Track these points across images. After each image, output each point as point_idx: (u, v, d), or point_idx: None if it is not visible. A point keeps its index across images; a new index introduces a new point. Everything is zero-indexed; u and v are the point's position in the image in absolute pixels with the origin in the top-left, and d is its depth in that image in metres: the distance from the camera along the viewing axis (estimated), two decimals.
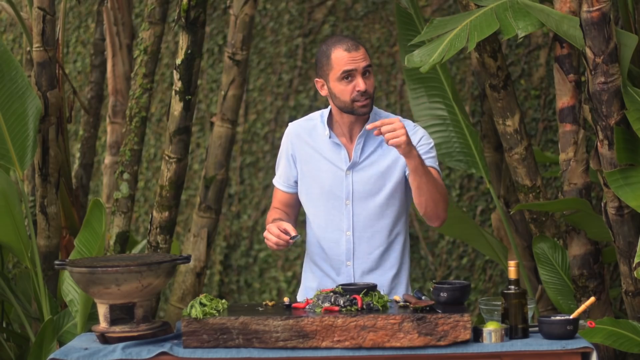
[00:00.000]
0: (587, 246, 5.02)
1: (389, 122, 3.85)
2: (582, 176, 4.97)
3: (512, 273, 3.75)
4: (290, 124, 4.25)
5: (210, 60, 7.42)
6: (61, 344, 5.10)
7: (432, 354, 3.65)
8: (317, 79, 4.10)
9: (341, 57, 3.99)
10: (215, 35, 7.40)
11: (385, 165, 4.09)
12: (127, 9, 6.71)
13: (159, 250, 5.52)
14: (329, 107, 4.16)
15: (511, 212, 5.52)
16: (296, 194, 4.21)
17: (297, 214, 4.27)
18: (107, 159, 6.68)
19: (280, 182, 4.23)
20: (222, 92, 5.85)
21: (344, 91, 4.01)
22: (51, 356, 3.72)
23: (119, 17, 6.65)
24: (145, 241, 5.83)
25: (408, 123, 4.11)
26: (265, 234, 4.01)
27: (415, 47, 5.03)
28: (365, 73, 4.00)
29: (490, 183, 5.51)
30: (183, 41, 5.39)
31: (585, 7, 4.43)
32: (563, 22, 4.71)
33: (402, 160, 4.04)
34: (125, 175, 5.65)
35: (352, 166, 4.09)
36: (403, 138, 3.82)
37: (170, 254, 4.42)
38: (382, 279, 4.11)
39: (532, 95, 7.02)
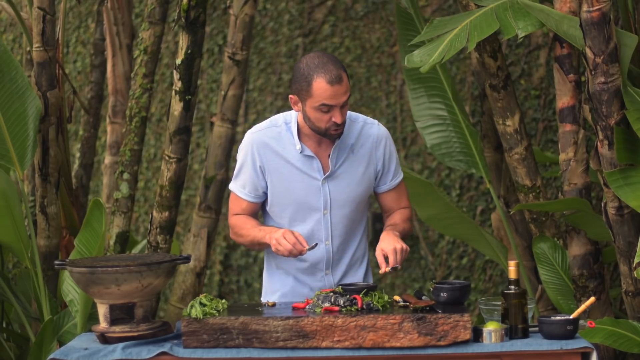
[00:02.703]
0: (587, 246, 5.02)
1: (392, 254, 3.91)
2: (582, 176, 4.97)
3: (512, 273, 3.75)
4: (250, 132, 4.12)
5: (210, 60, 7.41)
6: (61, 344, 5.09)
7: (432, 354, 3.65)
8: (291, 96, 4.00)
9: (323, 89, 3.90)
10: (215, 35, 7.40)
11: (359, 172, 4.10)
12: (127, 9, 6.71)
13: (159, 250, 5.52)
14: (294, 114, 4.08)
15: (511, 212, 5.52)
16: (261, 203, 4.14)
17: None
18: (107, 159, 6.68)
19: (245, 192, 4.11)
20: (222, 92, 5.85)
21: (320, 119, 3.96)
22: (51, 356, 3.72)
23: (119, 17, 6.65)
24: (145, 241, 5.83)
25: (370, 126, 4.12)
26: (278, 239, 3.95)
27: (415, 47, 5.03)
28: (344, 105, 3.94)
29: (490, 183, 5.50)
30: (183, 41, 5.39)
31: (585, 7, 4.43)
32: (563, 22, 4.71)
33: (372, 167, 4.10)
34: (125, 175, 5.64)
35: (328, 176, 4.07)
36: (406, 253, 3.96)
37: (170, 254, 4.42)
38: (354, 279, 4.15)
39: (532, 95, 7.02)
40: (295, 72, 3.97)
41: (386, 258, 3.94)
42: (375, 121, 4.16)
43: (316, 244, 4.00)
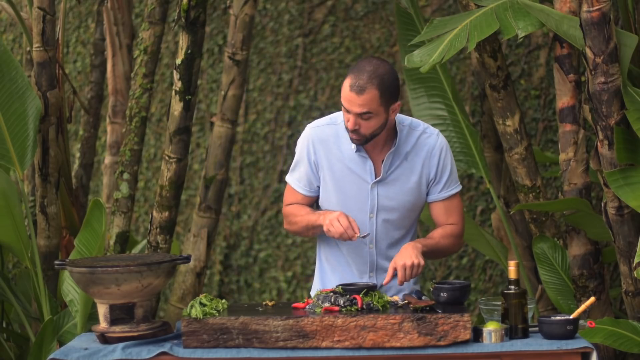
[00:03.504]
0: (587, 246, 5.02)
1: (402, 270, 3.90)
2: (582, 176, 4.97)
3: (512, 273, 3.75)
4: (310, 126, 4.13)
5: (210, 60, 7.41)
6: (61, 344, 5.09)
7: (432, 354, 3.65)
8: None
9: (345, 90, 3.91)
10: (215, 35, 7.40)
11: (411, 181, 4.06)
12: (127, 9, 6.70)
13: (159, 250, 5.52)
14: None
15: (511, 212, 5.52)
16: (316, 197, 4.15)
17: None
18: (107, 159, 6.68)
19: (300, 185, 4.13)
20: (222, 92, 5.85)
21: (344, 117, 3.98)
22: (51, 356, 3.72)
23: (119, 17, 6.65)
24: (145, 241, 5.83)
25: (429, 135, 4.09)
26: (332, 220, 3.93)
27: (415, 47, 5.03)
28: (361, 116, 3.92)
29: (490, 183, 5.50)
30: (183, 41, 5.39)
31: (585, 7, 4.43)
32: (563, 22, 4.71)
33: (426, 176, 4.07)
34: (125, 175, 5.64)
35: (379, 180, 4.05)
36: (420, 269, 3.93)
37: (170, 254, 4.42)
38: (400, 287, 4.09)
39: (532, 95, 7.02)
40: None
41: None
42: (436, 131, 4.11)
43: (367, 234, 3.98)
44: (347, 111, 3.92)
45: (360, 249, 4.09)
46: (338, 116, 4.11)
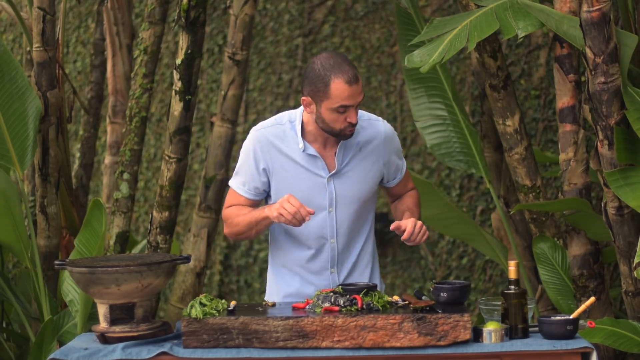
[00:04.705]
0: (587, 246, 5.02)
1: (412, 226, 3.91)
2: (582, 176, 4.97)
3: (512, 273, 3.75)
4: (255, 129, 4.09)
5: (210, 60, 7.42)
6: (61, 344, 5.10)
7: (432, 354, 3.65)
8: (304, 97, 3.95)
9: (341, 90, 3.86)
10: (215, 35, 7.40)
11: (366, 170, 4.08)
12: (127, 9, 6.71)
13: (159, 250, 5.52)
14: (299, 113, 4.06)
15: (511, 212, 5.52)
16: (259, 200, 4.11)
17: None
18: (107, 159, 6.68)
19: (244, 189, 4.08)
20: (222, 92, 5.86)
21: (335, 120, 3.93)
22: (51, 356, 3.72)
23: (119, 17, 6.65)
24: (145, 241, 5.83)
25: (376, 123, 4.11)
26: (282, 202, 3.87)
27: (415, 47, 5.03)
28: (358, 104, 3.94)
29: (490, 183, 5.50)
30: (183, 41, 5.39)
31: (585, 7, 4.43)
32: (563, 22, 4.71)
33: (379, 165, 4.09)
34: (125, 175, 5.65)
35: (334, 174, 4.04)
36: (426, 235, 3.95)
37: (170, 254, 4.42)
38: (360, 279, 4.12)
39: (532, 95, 7.02)
40: (309, 74, 3.92)
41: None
42: (380, 118, 4.14)
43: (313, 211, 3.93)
44: (346, 109, 3.90)
45: (320, 244, 4.06)
46: (282, 117, 4.08)
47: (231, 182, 4.13)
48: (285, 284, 4.14)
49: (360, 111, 4.07)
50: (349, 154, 4.05)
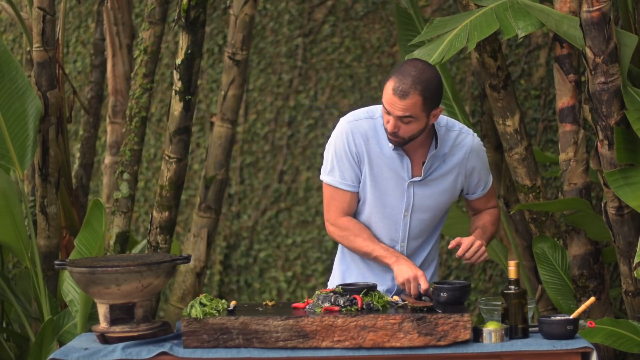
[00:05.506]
0: (587, 246, 5.02)
1: (469, 244, 3.88)
2: (582, 176, 4.97)
3: (512, 273, 3.75)
4: (346, 120, 4.00)
5: (210, 60, 7.41)
6: (61, 344, 5.09)
7: (432, 354, 3.65)
8: None
9: (387, 92, 3.82)
10: (215, 35, 7.40)
11: (447, 181, 4.03)
12: (127, 9, 6.71)
13: (159, 250, 5.52)
14: None
15: (511, 212, 5.52)
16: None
17: None
18: (107, 159, 6.68)
19: (347, 184, 3.99)
20: (222, 92, 5.86)
21: (384, 118, 3.91)
22: (51, 356, 3.72)
23: (119, 17, 6.65)
24: (145, 241, 5.83)
25: (465, 136, 4.05)
26: (410, 279, 3.85)
27: (415, 47, 5.03)
28: (402, 119, 3.85)
29: None
30: (183, 41, 5.39)
31: (585, 7, 4.43)
32: (563, 22, 4.71)
33: (461, 177, 4.05)
34: (125, 175, 5.65)
35: (416, 181, 3.99)
36: (484, 257, 3.90)
37: (170, 254, 4.42)
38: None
39: (532, 95, 7.02)
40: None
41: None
42: (470, 131, 4.07)
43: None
44: (388, 113, 3.86)
45: (390, 246, 4.02)
46: (375, 110, 4.02)
47: (328, 181, 4.01)
48: (353, 274, 4.10)
49: (452, 121, 4.04)
50: (435, 163, 4.00)
